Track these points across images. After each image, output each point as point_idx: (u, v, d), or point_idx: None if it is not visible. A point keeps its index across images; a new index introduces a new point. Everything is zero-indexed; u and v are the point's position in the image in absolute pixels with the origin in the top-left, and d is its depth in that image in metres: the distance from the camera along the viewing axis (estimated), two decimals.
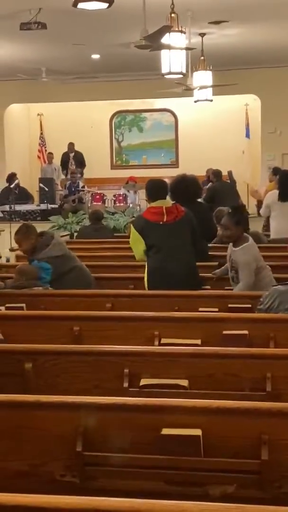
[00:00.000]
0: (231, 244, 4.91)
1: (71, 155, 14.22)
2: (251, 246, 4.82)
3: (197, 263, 5.43)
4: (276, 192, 7.29)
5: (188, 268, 4.88)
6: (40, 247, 5.07)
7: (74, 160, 14.18)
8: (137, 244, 4.96)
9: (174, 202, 5.16)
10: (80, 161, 14.24)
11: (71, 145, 14.19)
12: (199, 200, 6.60)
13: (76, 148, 14.33)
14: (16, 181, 12.20)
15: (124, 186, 12.53)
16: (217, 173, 10.12)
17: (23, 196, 12.43)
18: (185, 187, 5.75)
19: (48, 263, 4.96)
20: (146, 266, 4.98)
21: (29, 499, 1.72)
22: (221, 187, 9.55)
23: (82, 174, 14.08)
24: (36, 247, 5.10)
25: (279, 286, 4.03)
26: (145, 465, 2.35)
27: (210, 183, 10.33)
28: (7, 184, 12.17)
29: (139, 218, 5.22)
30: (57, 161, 14.41)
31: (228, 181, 11.50)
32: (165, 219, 4.86)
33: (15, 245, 7.85)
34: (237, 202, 8.50)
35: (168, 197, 5.27)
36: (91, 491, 2.27)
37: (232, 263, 4.79)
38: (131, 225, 5.16)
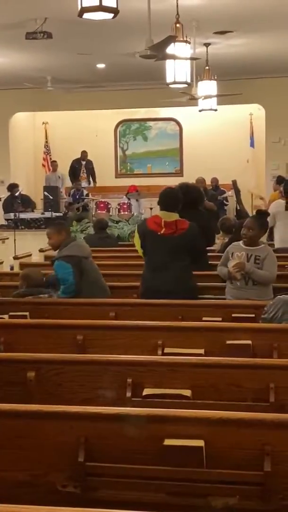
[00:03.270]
0: (237, 245, 4.93)
1: (83, 162, 14.25)
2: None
3: (201, 273, 5.42)
4: (280, 201, 7.29)
5: (174, 285, 4.78)
6: (62, 247, 5.11)
7: (85, 168, 14.23)
8: (139, 245, 5.15)
9: (178, 217, 5.09)
10: (91, 170, 14.28)
11: (84, 153, 14.20)
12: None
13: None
14: (20, 190, 12.22)
15: (127, 195, 12.53)
16: None
17: (26, 203, 12.46)
18: (185, 195, 5.75)
19: (67, 262, 4.96)
20: (142, 272, 5.08)
21: (30, 510, 1.71)
22: None
23: (91, 182, 14.14)
24: (61, 245, 5.13)
25: (283, 295, 4.02)
26: (147, 476, 2.34)
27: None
28: (9, 193, 12.21)
29: (142, 222, 5.43)
30: (61, 169, 14.43)
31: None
32: (162, 231, 4.89)
33: (19, 253, 7.89)
34: None
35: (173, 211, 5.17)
36: (93, 502, 2.26)
37: (256, 259, 4.83)
38: (136, 226, 5.40)
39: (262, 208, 8.09)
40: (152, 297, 4.71)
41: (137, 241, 5.16)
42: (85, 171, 14.24)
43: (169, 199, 5.03)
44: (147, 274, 4.97)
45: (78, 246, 5.19)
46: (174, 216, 4.96)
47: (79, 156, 14.23)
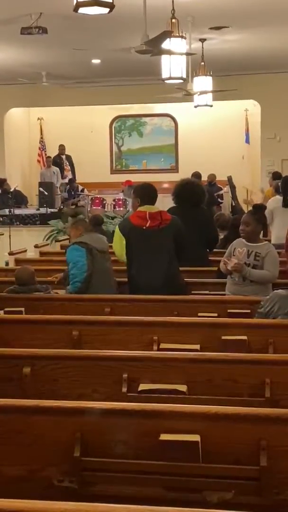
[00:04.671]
0: (240, 241, 4.91)
1: (63, 157, 14.31)
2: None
3: (197, 268, 5.42)
4: (277, 198, 7.30)
5: (164, 278, 4.76)
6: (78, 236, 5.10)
7: (67, 161, 14.29)
8: (119, 245, 4.99)
9: (161, 209, 5.02)
10: (71, 164, 14.35)
11: (62, 147, 14.27)
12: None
13: (76, 152, 14.39)
14: (15, 186, 12.19)
15: (123, 191, 12.52)
16: None
17: (18, 199, 12.45)
18: (189, 192, 5.75)
19: (81, 247, 4.93)
20: (127, 270, 4.97)
21: (26, 505, 1.71)
22: None
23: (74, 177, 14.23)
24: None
25: (279, 290, 4.02)
26: (143, 471, 2.34)
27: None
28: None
29: (125, 220, 5.28)
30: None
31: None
32: (148, 224, 4.85)
33: (14, 249, 7.87)
34: None
35: (155, 203, 5.10)
36: (89, 496, 2.26)
37: (256, 256, 4.78)
38: (117, 226, 5.20)
39: (257, 201, 8.10)
40: (144, 292, 4.67)
41: (119, 242, 4.96)
42: (67, 163, 14.31)
43: (150, 192, 5.01)
44: (134, 272, 4.88)
45: (92, 238, 5.13)
46: (157, 208, 4.96)
47: (70, 152, 14.28)
